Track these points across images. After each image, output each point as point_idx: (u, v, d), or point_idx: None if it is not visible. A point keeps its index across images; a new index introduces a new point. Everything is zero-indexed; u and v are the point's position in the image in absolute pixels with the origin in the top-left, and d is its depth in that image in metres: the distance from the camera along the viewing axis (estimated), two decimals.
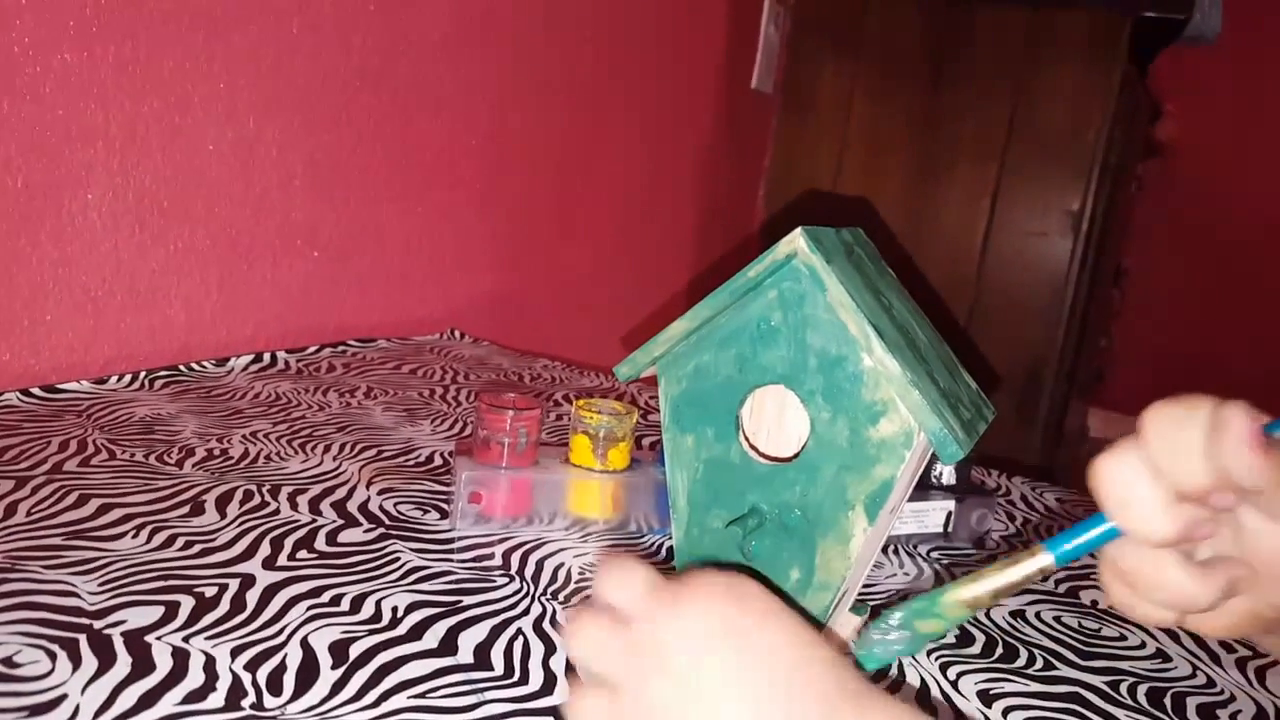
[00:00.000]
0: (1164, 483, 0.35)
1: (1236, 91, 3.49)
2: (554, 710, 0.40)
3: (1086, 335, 1.86)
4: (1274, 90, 3.47)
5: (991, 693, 0.47)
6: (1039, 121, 1.65)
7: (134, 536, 0.51)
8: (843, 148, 1.82)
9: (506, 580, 0.52)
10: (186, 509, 0.55)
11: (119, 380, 0.78)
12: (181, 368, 0.84)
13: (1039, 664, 0.50)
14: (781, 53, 1.91)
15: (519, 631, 0.47)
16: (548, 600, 0.50)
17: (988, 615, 0.55)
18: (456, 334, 1.16)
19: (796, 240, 0.42)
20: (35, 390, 0.73)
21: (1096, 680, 0.49)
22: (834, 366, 0.43)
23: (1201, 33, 1.90)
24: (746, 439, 0.46)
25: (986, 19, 1.68)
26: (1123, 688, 0.48)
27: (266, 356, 0.91)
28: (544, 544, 0.57)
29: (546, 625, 0.48)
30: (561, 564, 0.55)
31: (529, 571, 0.53)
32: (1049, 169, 1.65)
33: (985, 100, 1.69)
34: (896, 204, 1.78)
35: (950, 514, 0.64)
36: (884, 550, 0.63)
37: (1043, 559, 0.37)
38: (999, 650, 0.51)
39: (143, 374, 0.80)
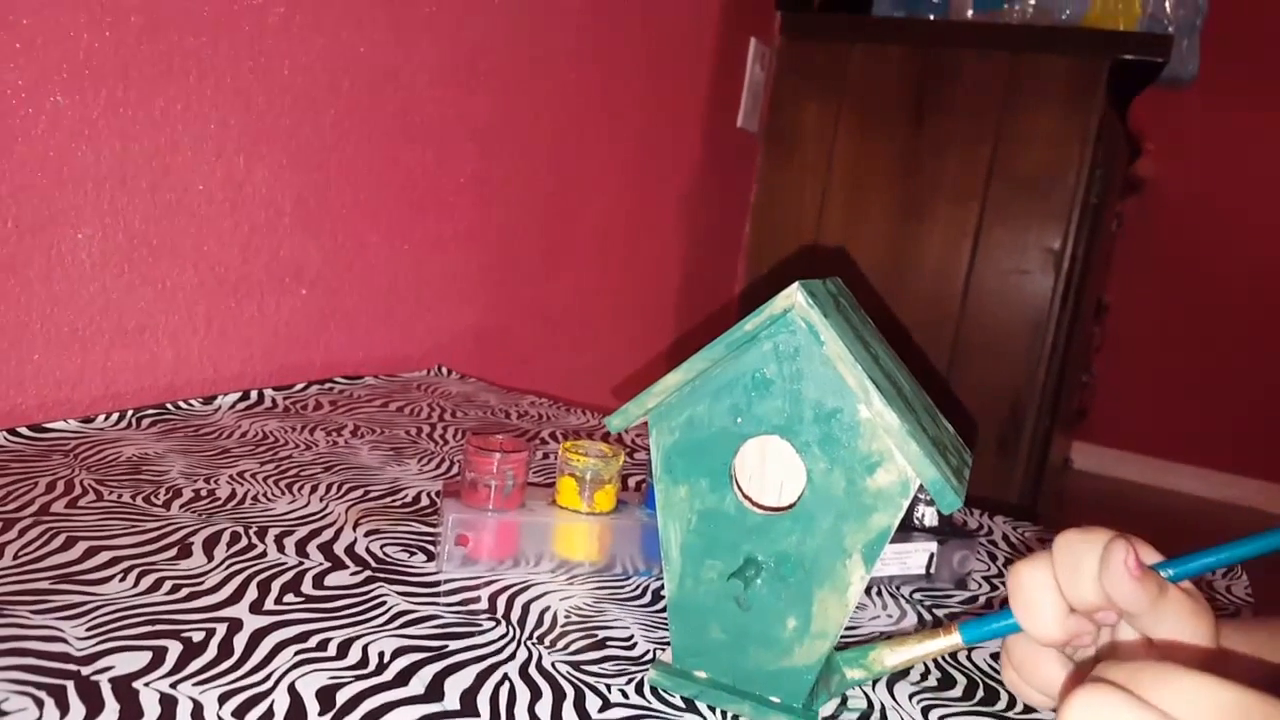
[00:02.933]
0: (1062, 597, 0.42)
1: (1213, 129, 3.55)
2: None
3: (1068, 371, 1.88)
4: (1249, 127, 3.53)
5: None
6: (1019, 163, 1.68)
7: (121, 580, 0.51)
8: (826, 187, 1.84)
9: (493, 624, 0.52)
10: (174, 551, 0.56)
11: (106, 419, 0.78)
12: (169, 406, 0.84)
13: (1019, 707, 0.51)
14: (766, 92, 1.94)
15: (505, 676, 0.47)
16: (534, 645, 0.51)
17: (969, 658, 0.56)
18: (443, 370, 1.16)
19: (795, 295, 0.43)
20: (22, 429, 0.73)
21: None
22: (830, 418, 0.44)
23: (1179, 75, 1.94)
24: (741, 490, 0.46)
25: (968, 63, 1.71)
26: None
27: (254, 394, 0.91)
28: (530, 586, 0.58)
29: (533, 670, 0.48)
30: (548, 607, 0.55)
31: (515, 615, 0.54)
32: (1030, 209, 1.68)
33: (967, 142, 1.72)
34: (879, 243, 1.80)
35: (933, 555, 0.65)
36: (867, 592, 0.64)
37: (955, 639, 0.45)
38: (980, 693, 0.52)
39: (130, 412, 0.80)
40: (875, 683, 0.51)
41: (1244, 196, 3.56)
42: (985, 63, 1.69)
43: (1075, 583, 0.42)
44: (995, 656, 0.56)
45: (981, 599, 0.65)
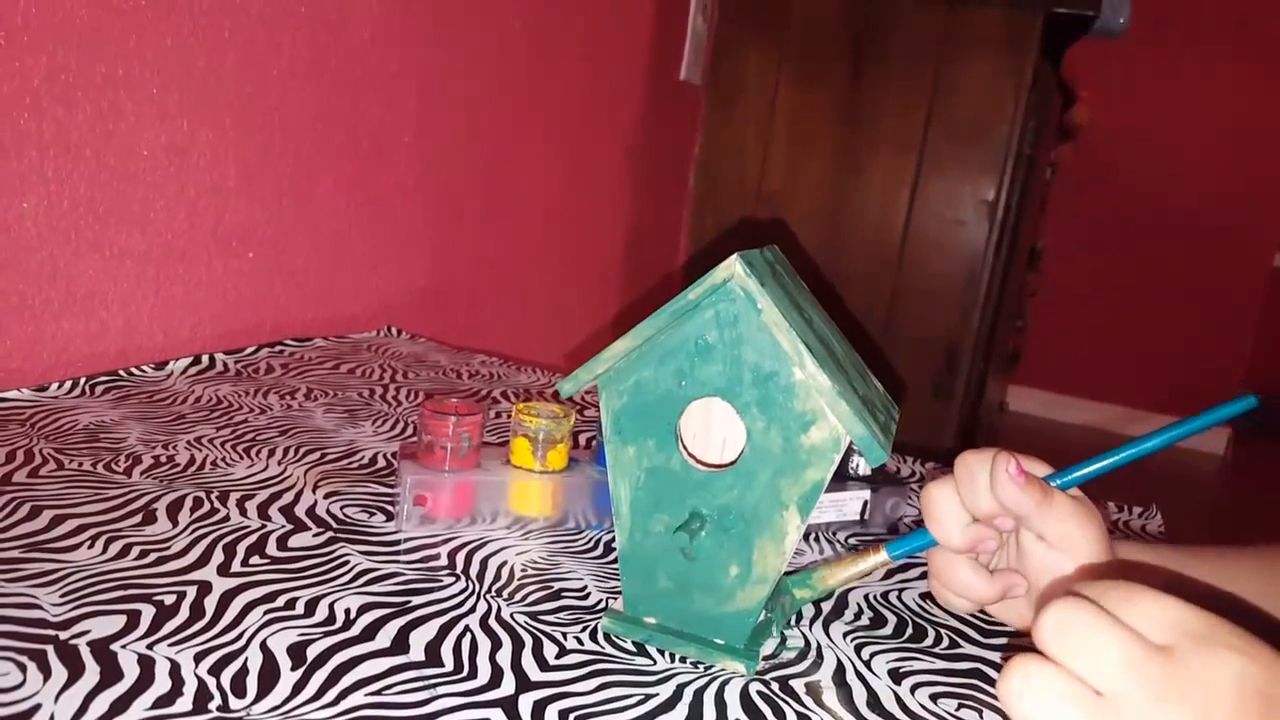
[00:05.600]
0: (963, 509, 0.50)
1: (1146, 77, 3.63)
2: (502, 703, 0.43)
3: (1002, 317, 1.94)
4: (1180, 75, 3.61)
5: (901, 671, 0.51)
6: (955, 114, 1.72)
7: (90, 547, 0.53)
8: (769, 138, 1.86)
9: (453, 579, 0.55)
10: (139, 518, 0.57)
11: (60, 387, 0.79)
12: (121, 373, 0.85)
13: (945, 643, 0.55)
14: (709, 43, 1.95)
15: (467, 628, 0.50)
16: (492, 598, 0.54)
17: (899, 598, 0.60)
18: (393, 330, 1.18)
19: (734, 266, 0.46)
20: None
21: (996, 656, 0.54)
22: (767, 380, 0.47)
23: (1110, 27, 1.99)
24: (685, 448, 0.49)
25: (906, 14, 1.73)
26: None
27: (205, 359, 0.92)
28: (488, 543, 0.60)
29: (492, 621, 0.51)
30: (505, 562, 0.58)
31: (474, 570, 0.57)
32: (965, 159, 1.72)
33: (905, 93, 1.75)
34: (822, 193, 1.83)
35: (866, 502, 0.69)
36: (806, 538, 0.68)
37: (882, 556, 0.53)
38: (909, 630, 0.56)
39: (83, 380, 0.81)
40: (812, 622, 0.55)
41: (1175, 143, 3.66)
42: (923, 14, 1.72)
43: (973, 494, 0.49)
44: (925, 596, 0.61)
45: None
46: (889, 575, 0.63)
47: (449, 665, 0.46)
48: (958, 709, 0.48)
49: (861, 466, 0.69)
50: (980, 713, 0.48)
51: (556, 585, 0.56)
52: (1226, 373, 3.71)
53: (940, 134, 1.73)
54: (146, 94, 0.87)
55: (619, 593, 0.54)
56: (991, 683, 0.51)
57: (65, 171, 0.81)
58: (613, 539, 0.61)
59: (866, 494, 0.69)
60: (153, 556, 0.53)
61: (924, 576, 0.63)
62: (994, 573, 0.52)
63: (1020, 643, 0.56)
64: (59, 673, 0.41)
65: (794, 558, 0.64)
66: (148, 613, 0.47)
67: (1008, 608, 0.54)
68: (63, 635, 0.44)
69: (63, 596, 0.48)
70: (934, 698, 0.49)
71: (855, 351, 0.56)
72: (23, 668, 0.41)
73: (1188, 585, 0.53)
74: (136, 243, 0.89)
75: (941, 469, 0.87)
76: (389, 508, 0.64)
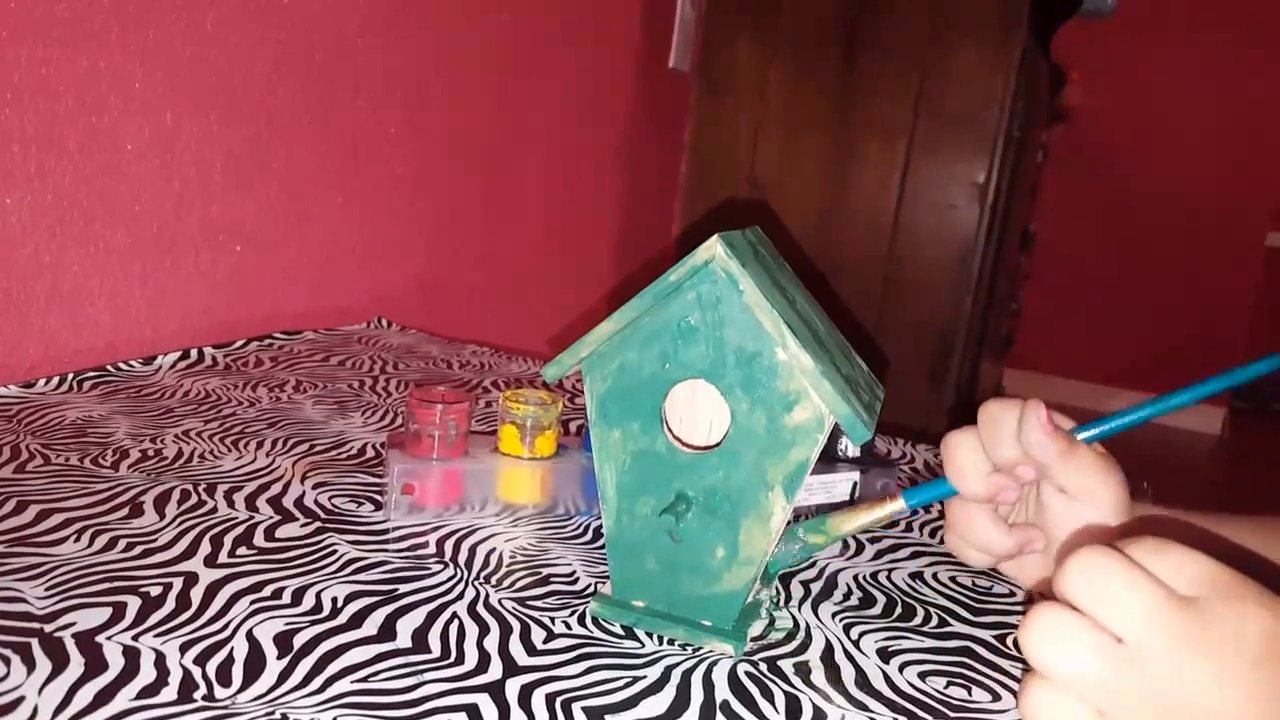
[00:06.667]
0: (985, 458, 0.49)
1: (1135, 58, 3.62)
2: (489, 688, 0.43)
3: (996, 301, 1.94)
4: (1171, 57, 3.61)
5: (890, 650, 0.51)
6: (945, 98, 1.71)
7: (76, 540, 0.53)
8: (760, 126, 1.86)
9: (441, 567, 0.55)
10: (125, 511, 0.57)
11: (47, 383, 0.79)
12: (109, 368, 0.84)
13: (934, 621, 0.55)
14: (698, 31, 1.94)
15: (454, 615, 0.50)
16: (480, 584, 0.53)
17: (888, 578, 0.60)
18: (383, 322, 1.17)
19: (714, 247, 0.45)
20: None
21: (985, 634, 0.54)
22: (750, 361, 0.47)
23: (1098, 7, 1.99)
24: (671, 431, 0.49)
25: None
26: (1009, 640, 0.53)
27: (194, 353, 0.92)
28: (476, 530, 0.60)
29: (480, 608, 0.51)
30: (493, 549, 0.58)
31: (462, 558, 0.56)
32: (955, 143, 1.72)
33: (895, 77, 1.74)
34: (813, 181, 1.83)
35: (856, 484, 0.69)
36: (794, 519, 0.68)
37: (899, 504, 0.52)
38: (898, 610, 0.56)
39: (71, 376, 0.81)
40: (801, 603, 0.55)
41: (1167, 124, 3.65)
42: None
43: (996, 442, 0.48)
44: (914, 576, 0.61)
45: (902, 522, 0.69)
46: (878, 555, 0.63)
47: (436, 651, 0.46)
48: (946, 686, 0.48)
49: (850, 448, 0.69)
50: (969, 689, 0.48)
51: (545, 571, 0.56)
52: (1222, 353, 3.71)
53: (930, 117, 1.73)
54: (129, 88, 0.87)
55: (608, 578, 0.54)
56: (980, 660, 0.51)
57: (49, 166, 0.81)
58: (602, 524, 0.61)
59: (856, 475, 0.69)
60: (139, 549, 0.53)
61: (914, 556, 0.64)
62: (1012, 527, 0.52)
63: (1013, 622, 0.56)
64: (43, 665, 0.41)
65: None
66: (133, 604, 0.47)
67: (1021, 565, 0.54)
68: (47, 628, 0.44)
69: (48, 590, 0.47)
70: (922, 675, 0.49)
71: (839, 332, 0.56)
72: (6, 660, 0.41)
73: (1214, 542, 0.53)
74: (123, 237, 0.89)
75: (934, 450, 0.87)
76: (378, 497, 0.64)
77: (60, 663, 0.42)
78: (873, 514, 0.52)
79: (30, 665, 0.41)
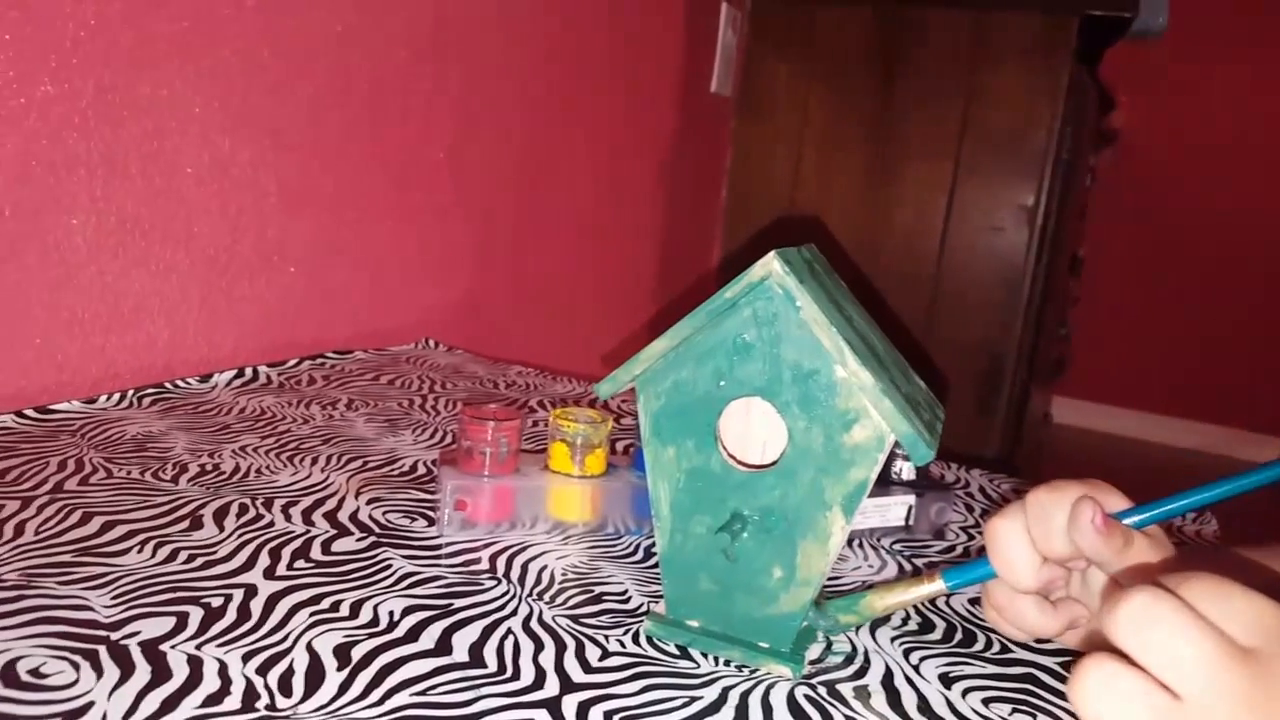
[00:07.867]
0: (1035, 550, 0.46)
1: (1185, 80, 3.58)
2: (546, 704, 0.43)
3: (1044, 325, 1.92)
4: (1220, 77, 3.56)
5: (951, 675, 0.50)
6: (991, 120, 1.70)
7: (139, 551, 0.54)
8: (800, 149, 1.86)
9: (494, 583, 0.55)
10: (186, 524, 0.58)
11: (108, 399, 0.80)
12: (167, 385, 0.86)
13: (995, 648, 0.54)
14: (739, 56, 1.95)
15: (509, 631, 0.50)
16: (534, 601, 0.54)
17: (948, 603, 0.59)
18: (430, 343, 1.19)
19: (771, 263, 0.45)
20: (29, 411, 0.75)
21: (1049, 661, 0.53)
22: (808, 378, 0.46)
23: (1148, 28, 1.96)
24: (725, 449, 0.49)
25: (936, 20, 1.72)
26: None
27: (249, 371, 0.93)
28: (527, 547, 0.60)
29: (534, 624, 0.51)
30: (545, 566, 0.58)
31: (515, 574, 0.57)
32: (1002, 166, 1.71)
33: (937, 100, 1.74)
34: (855, 203, 1.82)
35: (911, 508, 0.68)
36: (850, 544, 0.67)
37: (939, 585, 0.49)
38: (958, 636, 0.55)
39: (131, 392, 0.82)
40: (859, 628, 0.54)
41: (1217, 147, 3.60)
42: (952, 19, 1.71)
43: (1047, 536, 0.45)
44: (974, 601, 0.60)
45: (959, 549, 0.69)
46: None
47: (492, 666, 0.46)
48: (1011, 714, 0.47)
49: (905, 471, 0.69)
50: (1034, 717, 0.47)
51: (597, 589, 0.56)
52: (1277, 381, 3.63)
53: (975, 141, 1.72)
54: (189, 114, 0.89)
55: (660, 597, 0.54)
56: (1045, 687, 0.50)
57: (112, 189, 0.83)
58: (653, 545, 0.61)
59: (911, 499, 0.68)
60: (200, 561, 0.54)
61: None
62: (1056, 603, 0.49)
63: (1078, 650, 0.55)
64: (111, 672, 0.42)
65: (837, 564, 0.63)
66: (196, 615, 0.48)
67: (1064, 638, 0.51)
68: (114, 636, 0.45)
69: (114, 599, 0.48)
70: (986, 702, 0.48)
71: (897, 350, 0.55)
72: (76, 666, 0.42)
73: (1269, 576, 0.51)
74: (181, 258, 0.90)
75: (989, 475, 0.86)
76: (430, 513, 0.64)
77: (127, 670, 0.42)
78: (910, 593, 0.50)
79: (99, 672, 0.42)
